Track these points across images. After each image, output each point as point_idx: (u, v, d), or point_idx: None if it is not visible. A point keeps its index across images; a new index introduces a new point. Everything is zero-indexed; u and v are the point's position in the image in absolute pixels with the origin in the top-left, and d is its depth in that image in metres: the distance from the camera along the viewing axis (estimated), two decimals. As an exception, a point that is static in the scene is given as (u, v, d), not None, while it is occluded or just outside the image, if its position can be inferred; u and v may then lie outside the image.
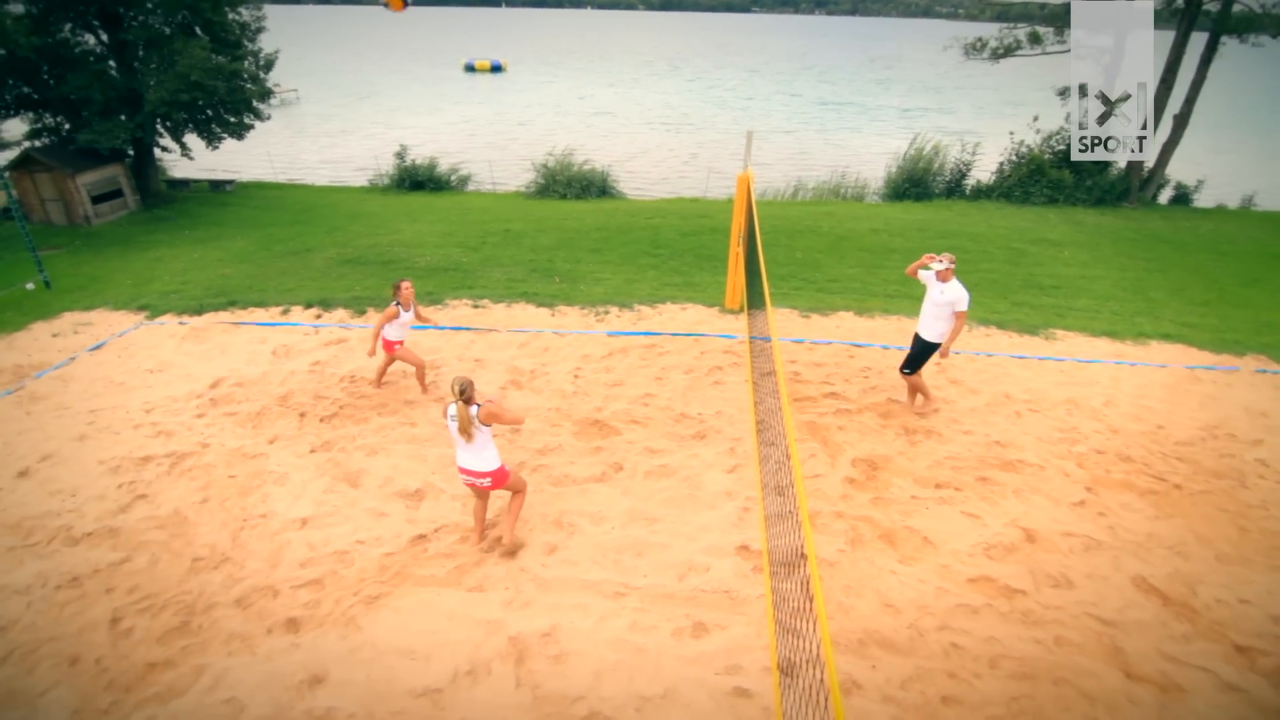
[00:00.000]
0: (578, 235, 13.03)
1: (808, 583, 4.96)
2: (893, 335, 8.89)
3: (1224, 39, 16.67)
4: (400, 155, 17.56)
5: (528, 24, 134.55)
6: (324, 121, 29.91)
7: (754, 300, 7.88)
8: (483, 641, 4.51)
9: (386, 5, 8.48)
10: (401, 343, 7.10)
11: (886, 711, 4.13)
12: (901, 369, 7.05)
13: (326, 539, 5.40)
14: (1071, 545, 5.54)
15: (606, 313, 9.13)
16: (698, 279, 10.89)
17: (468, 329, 8.53)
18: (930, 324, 6.69)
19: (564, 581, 4.97)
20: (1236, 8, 16.41)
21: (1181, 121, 17.60)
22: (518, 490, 5.25)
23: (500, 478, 5.00)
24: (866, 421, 7.03)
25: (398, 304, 6.84)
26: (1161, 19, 16.97)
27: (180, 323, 9.08)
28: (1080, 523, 5.77)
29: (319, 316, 8.93)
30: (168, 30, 15.27)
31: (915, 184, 18.25)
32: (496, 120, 31.11)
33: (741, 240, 8.56)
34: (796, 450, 5.62)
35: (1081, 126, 17.11)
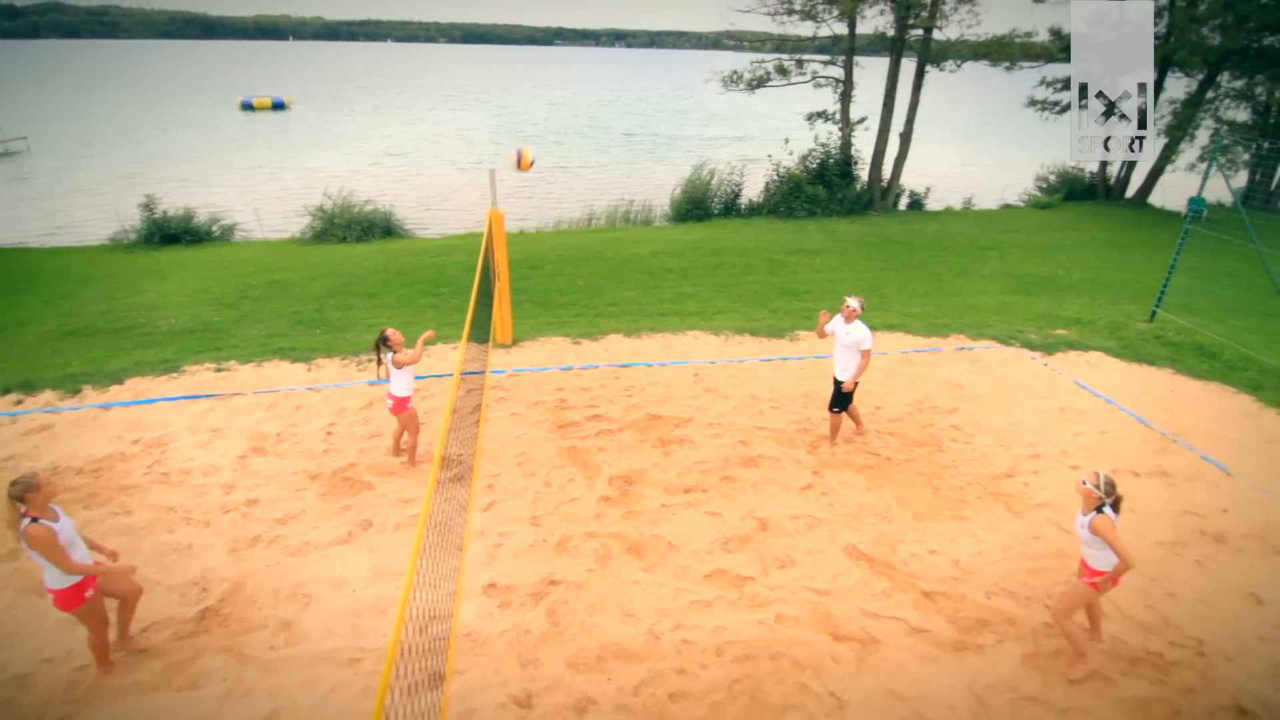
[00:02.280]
0: (353, 280, 12.47)
1: (552, 611, 5.08)
2: (657, 353, 9.40)
3: (928, 67, 19.64)
4: (148, 206, 15.81)
5: (318, 58, 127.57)
6: (60, 174, 26.18)
7: (481, 335, 8.01)
8: (190, 745, 4.11)
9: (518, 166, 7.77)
10: (410, 399, 6.53)
11: (618, 721, 4.30)
12: (831, 408, 7.21)
13: (4, 662, 4.65)
14: (797, 526, 6.14)
15: (369, 361, 8.79)
16: (478, 315, 10.82)
17: (206, 396, 7.81)
18: (843, 366, 6.92)
19: (292, 659, 4.67)
20: (937, 35, 19.40)
21: (905, 138, 20.42)
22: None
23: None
24: (626, 439, 7.35)
25: (392, 352, 6.37)
26: (875, 49, 19.70)
27: None
28: (805, 504, 6.43)
29: (19, 403, 7.74)
30: None
31: (697, 206, 19.54)
32: (275, 162, 29.04)
33: (496, 275, 8.67)
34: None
35: (823, 146, 19.34)
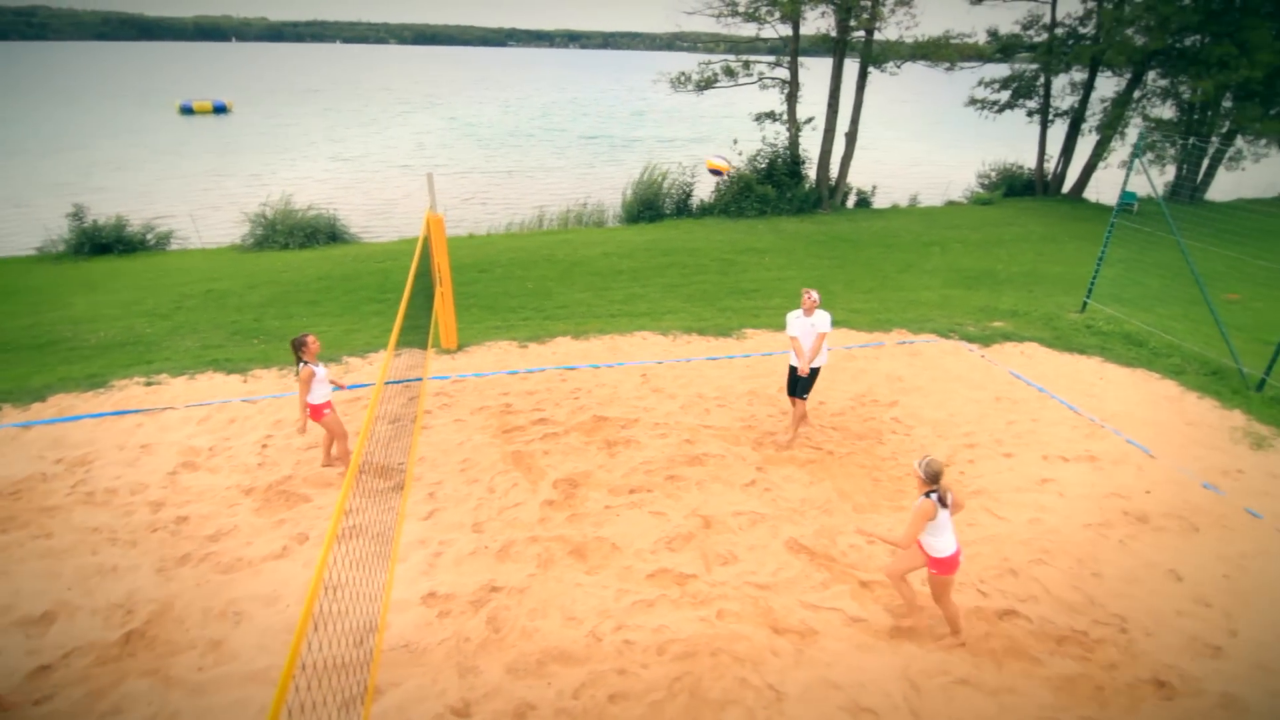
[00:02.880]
0: (295, 288, 12.18)
1: (493, 618, 5.04)
2: (605, 354, 9.41)
3: (870, 68, 20.07)
4: (77, 215, 15.17)
5: (262, 60, 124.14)
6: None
7: (422, 341, 7.91)
8: (111, 774, 3.96)
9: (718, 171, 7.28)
10: (330, 405, 6.33)
11: (557, 725, 4.29)
12: (800, 395, 7.32)
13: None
14: (740, 523, 6.21)
15: (308, 370, 8.60)
16: (424, 320, 10.68)
17: (134, 412, 7.53)
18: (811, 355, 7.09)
19: (222, 680, 4.53)
20: (877, 36, 19.84)
21: (851, 138, 20.83)
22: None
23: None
24: (572, 441, 7.34)
25: (304, 362, 6.13)
26: (820, 50, 20.06)
27: None
28: (749, 501, 6.50)
29: (-68, 423, 7.36)
30: None
31: (648, 206, 19.61)
32: (215, 168, 28.16)
33: (438, 280, 8.57)
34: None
35: (771, 146, 19.60)
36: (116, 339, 9.76)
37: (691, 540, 5.96)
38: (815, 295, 7.10)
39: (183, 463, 6.71)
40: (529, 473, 6.77)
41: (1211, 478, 7.21)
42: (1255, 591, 5.69)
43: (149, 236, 15.82)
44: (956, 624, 5.01)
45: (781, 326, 10.64)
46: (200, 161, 29.60)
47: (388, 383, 7.87)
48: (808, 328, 7.13)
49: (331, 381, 6.58)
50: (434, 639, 4.84)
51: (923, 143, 42.19)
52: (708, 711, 4.43)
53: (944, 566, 4.72)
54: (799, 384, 7.28)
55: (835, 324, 10.77)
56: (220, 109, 47.56)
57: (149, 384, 8.14)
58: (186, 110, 46.30)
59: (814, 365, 7.18)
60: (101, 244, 14.99)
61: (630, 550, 5.80)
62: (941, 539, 4.68)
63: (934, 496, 4.64)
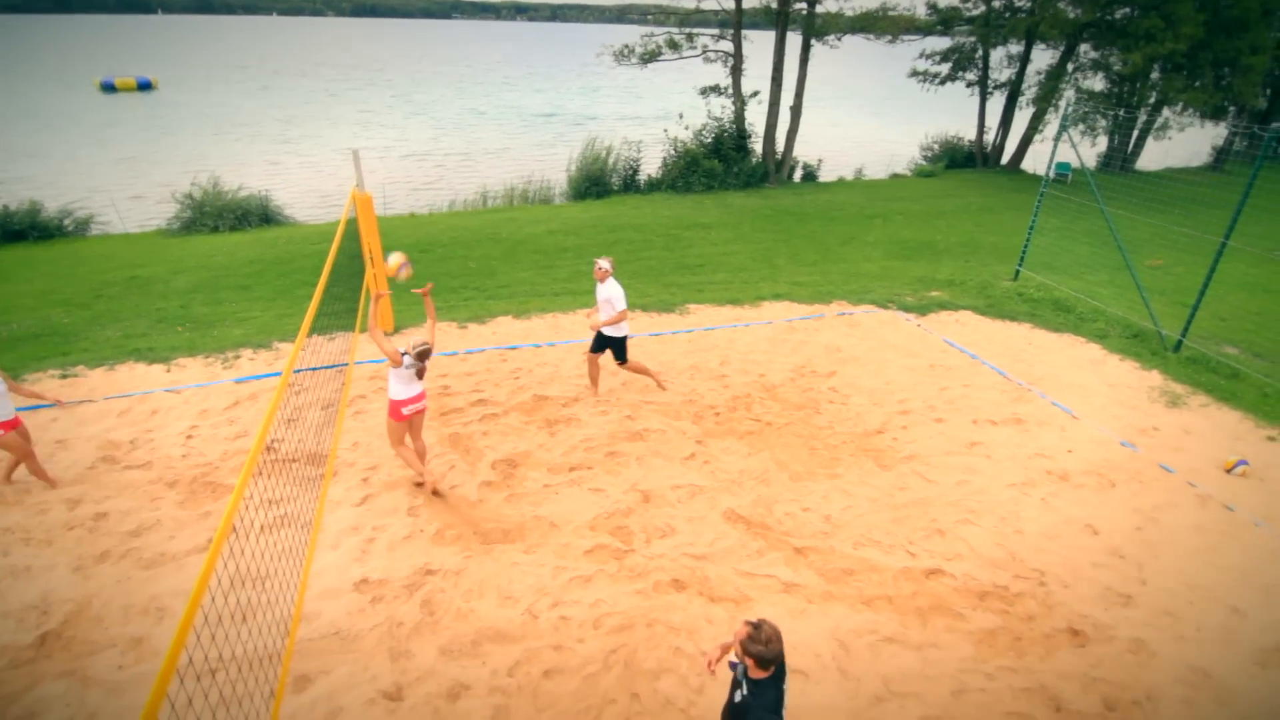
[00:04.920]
0: (225, 273, 11.71)
1: (427, 601, 4.99)
2: (546, 333, 9.33)
3: (813, 41, 20.12)
4: (-16, 201, 14.26)
5: (192, 34, 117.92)
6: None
7: (349, 325, 7.70)
8: (23, 780, 3.82)
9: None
10: (17, 423, 5.80)
11: (491, 703, 4.29)
12: (617, 361, 7.54)
13: None
14: (679, 496, 6.27)
15: (237, 357, 8.31)
16: (354, 304, 10.41)
17: (49, 406, 7.17)
18: (604, 319, 7.25)
19: (143, 678, 4.40)
20: (820, 9, 19.89)
21: (796, 111, 20.91)
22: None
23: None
24: (511, 422, 7.28)
25: None
26: (764, 23, 20.02)
27: None
28: (688, 474, 6.56)
29: None
30: None
31: (595, 183, 19.39)
32: (139, 148, 26.77)
33: (371, 261, 8.35)
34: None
35: (717, 120, 19.54)
36: (30, 330, 9.25)
37: (630, 515, 5.99)
38: (603, 264, 7.20)
39: (102, 457, 6.43)
40: (467, 454, 6.70)
41: (1129, 436, 7.56)
42: (1165, 542, 6.02)
43: (67, 222, 14.97)
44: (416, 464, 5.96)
45: (723, 301, 10.74)
46: (124, 142, 28.09)
47: (322, 369, 7.69)
48: (599, 293, 7.29)
49: (31, 395, 6.21)
50: (366, 625, 4.78)
51: (869, 116, 42.65)
52: (642, 681, 4.49)
53: (393, 411, 5.74)
54: (596, 342, 7.53)
55: (778, 297, 10.98)
56: (145, 86, 45.04)
57: (65, 376, 7.76)
58: (108, 88, 43.72)
59: (607, 334, 7.34)
60: (14, 231, 14.13)
61: (569, 528, 5.80)
62: (399, 388, 5.68)
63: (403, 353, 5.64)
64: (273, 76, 56.88)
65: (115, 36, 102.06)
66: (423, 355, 5.74)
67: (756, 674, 2.97)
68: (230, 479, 6.18)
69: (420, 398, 5.93)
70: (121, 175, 22.30)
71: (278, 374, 7.97)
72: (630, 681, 4.48)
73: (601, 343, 7.47)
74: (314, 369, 7.84)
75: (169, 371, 7.94)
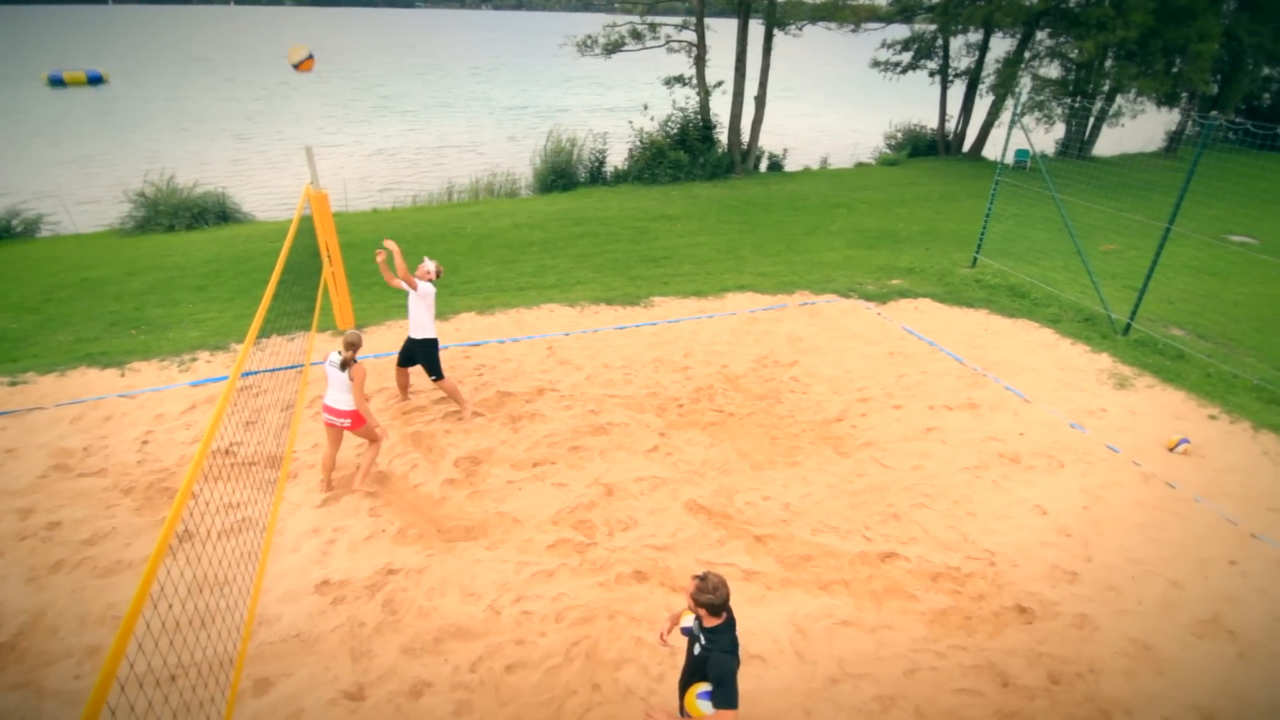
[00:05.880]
0: (181, 273, 11.47)
1: (389, 601, 5.01)
2: (510, 329, 9.32)
3: (775, 30, 20.19)
4: (-76, 204, 13.76)
5: (146, 25, 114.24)
6: None
7: (305, 324, 7.66)
8: (-24, 795, 3.78)
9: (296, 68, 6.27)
10: None
11: (453, 699, 4.34)
12: (401, 365, 7.27)
13: None
14: (641, 488, 6.35)
15: (194, 360, 8.18)
16: (324, 302, 10.29)
17: (-4, 414, 7.01)
18: (417, 322, 6.90)
19: (98, 686, 4.36)
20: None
21: (760, 101, 21.00)
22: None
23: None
24: (474, 420, 7.28)
25: None
26: (727, 12, 20.04)
27: None
28: (650, 466, 6.64)
29: None
30: None
31: (561, 175, 19.30)
32: (91, 145, 25.98)
33: (328, 259, 8.26)
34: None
35: (682, 110, 19.52)
36: (-24, 336, 8.99)
37: (593, 508, 6.06)
38: (426, 265, 6.98)
39: (54, 465, 6.31)
40: (429, 453, 6.69)
41: (1078, 417, 7.81)
42: (1110, 520, 6.25)
43: (15, 223, 14.48)
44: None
45: (687, 293, 10.81)
46: (74, 138, 27.21)
47: (286, 369, 7.60)
48: (418, 294, 6.84)
49: None
50: (327, 626, 4.78)
51: (834, 106, 42.98)
52: (604, 671, 4.57)
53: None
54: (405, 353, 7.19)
55: (742, 288, 11.09)
56: (95, 80, 43.59)
57: (13, 384, 7.56)
58: (56, 81, 42.21)
59: (415, 337, 6.92)
60: (-42, 233, 13.68)
61: (531, 523, 5.85)
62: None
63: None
64: (230, 69, 55.40)
65: (63, 27, 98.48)
66: (350, 345, 5.55)
67: (710, 622, 3.20)
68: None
69: (334, 411, 5.70)
70: (72, 173, 21.62)
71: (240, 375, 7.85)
72: (592, 672, 4.56)
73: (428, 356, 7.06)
74: (272, 370, 7.76)
75: (123, 376, 7.79)
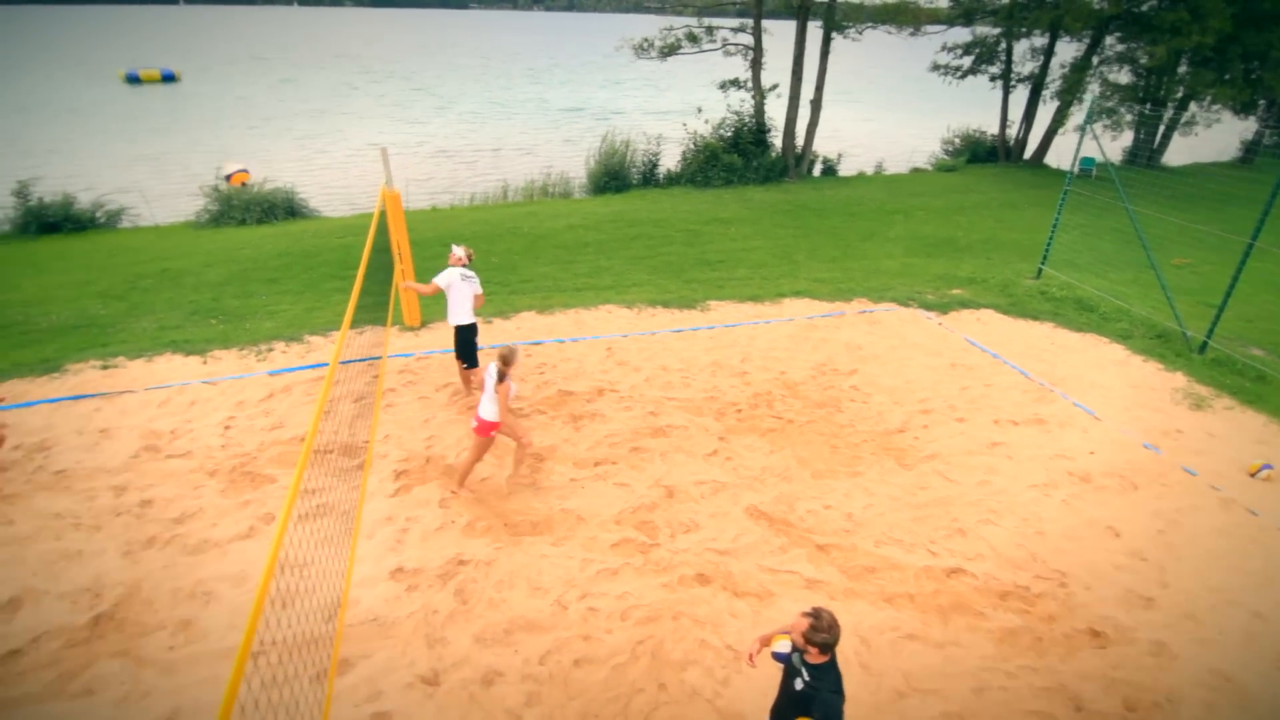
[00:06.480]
0: (254, 265, 11.94)
1: (460, 590, 5.15)
2: (570, 329, 9.46)
3: (833, 34, 20.01)
4: (21, 193, 14.60)
5: (215, 24, 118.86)
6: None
7: (382, 319, 7.90)
8: (84, 753, 4.04)
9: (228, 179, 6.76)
10: None
11: (524, 690, 4.45)
12: (461, 358, 7.43)
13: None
14: (702, 491, 6.39)
15: (270, 350, 8.52)
16: (384, 297, 10.59)
17: (91, 396, 7.42)
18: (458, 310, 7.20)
19: (193, 658, 4.60)
20: (841, 0, 19.76)
21: (816, 105, 20.82)
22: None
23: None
24: (537, 416, 7.42)
25: None
26: (784, 14, 19.94)
27: None
28: (710, 470, 6.67)
29: (-123, 412, 7.17)
30: None
31: (614, 177, 19.46)
32: (167, 140, 27.19)
33: (398, 256, 8.51)
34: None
35: (737, 114, 19.50)
36: (69, 321, 9.52)
37: (655, 510, 6.12)
38: (456, 251, 7.21)
39: (144, 446, 6.66)
40: (494, 448, 6.84)
41: (1152, 438, 7.57)
42: (1187, 545, 6.05)
43: (99, 214, 15.30)
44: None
45: (744, 298, 10.81)
46: (152, 134, 28.52)
47: (352, 361, 7.87)
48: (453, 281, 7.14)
49: None
50: (402, 612, 4.95)
51: (889, 110, 42.27)
52: (669, 672, 4.62)
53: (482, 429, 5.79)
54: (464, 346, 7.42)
55: (798, 294, 11.04)
56: (169, 78, 45.59)
57: (105, 367, 8.00)
58: (132, 79, 44.28)
59: (451, 323, 7.27)
60: (49, 223, 14.48)
61: (595, 521, 5.94)
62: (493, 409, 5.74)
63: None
64: (294, 69, 57.28)
65: (138, 27, 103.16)
66: (503, 359, 5.70)
67: (817, 659, 3.14)
68: (268, 469, 6.38)
69: (481, 420, 5.86)
70: (150, 167, 22.68)
71: (310, 366, 8.16)
72: (657, 672, 4.62)
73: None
74: (344, 362, 8.02)
75: (205, 363, 8.17)
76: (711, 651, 4.78)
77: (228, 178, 6.53)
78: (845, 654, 4.80)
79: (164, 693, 4.38)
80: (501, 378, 5.65)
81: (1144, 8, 21.62)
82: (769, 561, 5.61)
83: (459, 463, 6.30)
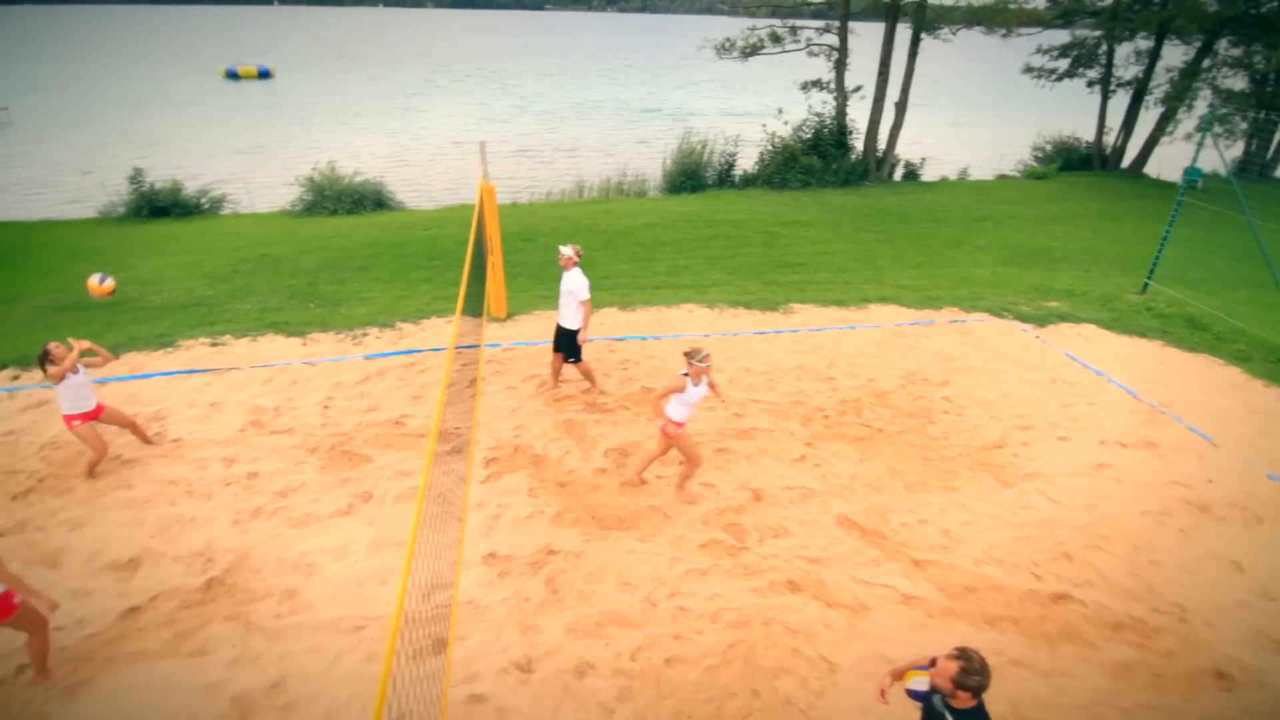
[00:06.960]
0: (345, 253, 12.40)
1: (550, 580, 5.18)
2: (651, 326, 9.44)
3: (923, 35, 19.39)
4: (135, 179, 15.57)
5: (305, 24, 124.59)
6: (43, 146, 25.71)
7: (475, 309, 8.02)
8: (201, 708, 4.22)
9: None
10: (99, 412, 6.14)
11: (616, 684, 4.43)
12: (556, 350, 7.46)
13: (10, 637, 4.73)
14: (790, 497, 6.25)
15: (365, 335, 8.81)
16: (474, 289, 10.79)
17: (202, 371, 7.82)
18: (565, 313, 7.18)
19: (298, 627, 4.77)
20: (931, 0, 19.13)
21: (901, 108, 20.22)
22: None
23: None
24: (621, 412, 7.42)
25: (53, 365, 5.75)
26: (871, 15, 19.46)
27: None
28: (798, 475, 6.53)
29: (16, 378, 7.74)
30: None
31: (690, 176, 19.36)
32: (263, 133, 28.59)
33: (489, 249, 8.65)
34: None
35: (818, 115, 19.12)
36: (179, 300, 10.09)
37: (742, 512, 6.02)
38: (567, 251, 7.06)
39: (251, 421, 6.97)
40: (580, 441, 6.88)
41: (1277, 469, 7.01)
42: (1321, 586, 5.57)
43: (204, 200, 16.18)
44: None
45: (827, 302, 10.57)
46: (250, 127, 30.05)
47: (441, 349, 8.05)
48: (564, 282, 7.10)
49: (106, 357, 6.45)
50: (495, 597, 5.01)
51: (974, 114, 40.78)
52: (761, 679, 4.53)
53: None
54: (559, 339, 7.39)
55: (884, 300, 10.73)
56: (264, 74, 47.99)
57: (214, 344, 8.43)
58: (231, 75, 46.83)
59: (565, 327, 7.18)
60: (159, 207, 15.39)
61: (682, 520, 5.89)
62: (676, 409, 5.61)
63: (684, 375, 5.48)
64: (379, 67, 59.45)
65: (235, 26, 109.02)
66: (686, 355, 5.56)
67: (965, 704, 2.94)
68: (365, 449, 6.58)
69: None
70: (250, 158, 23.89)
71: (403, 352, 8.39)
72: (750, 678, 4.53)
73: (570, 346, 7.31)
74: (438, 349, 8.21)
75: (304, 345, 8.50)
76: (805, 661, 4.66)
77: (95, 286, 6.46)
78: (947, 675, 4.60)
79: (272, 658, 4.56)
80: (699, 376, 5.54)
81: (1264, 9, 20.14)
82: (862, 573, 5.44)
83: (683, 482, 6.20)
